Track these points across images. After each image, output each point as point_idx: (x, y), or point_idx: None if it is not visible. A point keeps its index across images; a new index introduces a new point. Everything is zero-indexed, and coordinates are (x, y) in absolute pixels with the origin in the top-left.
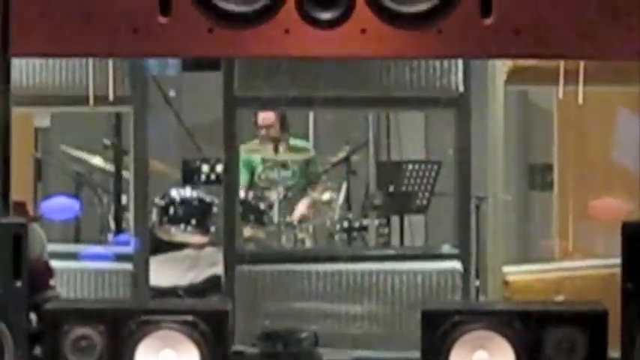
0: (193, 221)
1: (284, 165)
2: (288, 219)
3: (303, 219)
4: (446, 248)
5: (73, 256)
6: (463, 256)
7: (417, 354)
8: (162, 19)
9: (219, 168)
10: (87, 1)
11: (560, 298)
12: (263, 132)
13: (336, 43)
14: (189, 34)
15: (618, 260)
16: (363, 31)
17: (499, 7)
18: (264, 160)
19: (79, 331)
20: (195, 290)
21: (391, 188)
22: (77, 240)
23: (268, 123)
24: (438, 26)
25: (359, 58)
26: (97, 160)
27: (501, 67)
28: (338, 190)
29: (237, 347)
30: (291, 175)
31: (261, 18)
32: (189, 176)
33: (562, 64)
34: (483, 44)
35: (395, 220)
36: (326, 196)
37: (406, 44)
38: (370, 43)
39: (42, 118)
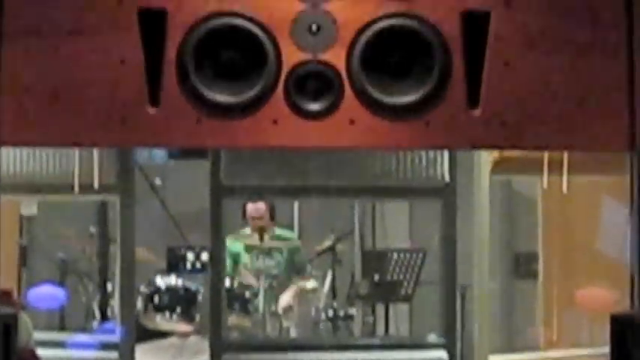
0: (178, 309)
1: (269, 253)
2: (273, 308)
3: (288, 308)
4: (431, 337)
5: (58, 345)
6: (449, 346)
7: None
8: (151, 110)
9: (205, 256)
10: (75, 91)
11: None
12: (252, 222)
13: (324, 134)
14: (177, 124)
15: (603, 350)
16: (352, 122)
17: (486, 98)
18: (248, 248)
19: None
20: None
21: (376, 277)
22: (63, 328)
23: (260, 214)
24: (426, 118)
25: (347, 149)
26: (82, 248)
27: (487, 157)
28: (323, 278)
29: None
30: (276, 265)
31: (250, 109)
32: (174, 264)
33: (546, 154)
34: (470, 135)
35: (380, 308)
36: (311, 284)
37: (394, 135)
38: (359, 134)
39: (28, 206)
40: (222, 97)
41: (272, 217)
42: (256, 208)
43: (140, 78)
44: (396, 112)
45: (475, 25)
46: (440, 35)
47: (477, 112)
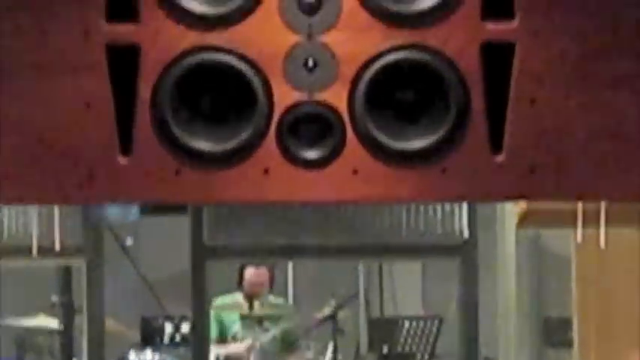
0: None
1: (261, 323)
2: None
3: None
4: None
5: None
6: None
7: None
8: (122, 160)
9: (185, 327)
10: (34, 139)
11: None
12: (251, 289)
13: (323, 185)
14: (153, 176)
15: None
16: (355, 171)
17: (511, 142)
18: (238, 317)
19: None
20: None
21: (385, 349)
22: None
23: (261, 281)
24: (441, 165)
25: (350, 202)
26: (42, 320)
27: (512, 208)
28: (323, 352)
29: None
30: (271, 340)
31: (237, 158)
32: (149, 337)
33: (580, 204)
34: (493, 185)
35: None
36: (309, 356)
37: (405, 186)
38: (363, 185)
39: None
40: (204, 145)
41: (271, 284)
42: (258, 273)
43: (109, 123)
44: (407, 159)
45: (497, 57)
46: (456, 70)
47: (500, 158)
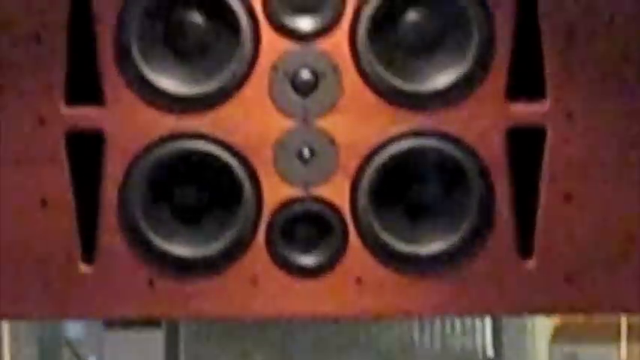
0: None
1: None
2: None
3: None
4: None
5: None
6: None
7: None
8: (84, 268)
9: None
10: None
11: None
12: None
13: (320, 297)
14: (120, 287)
15: None
16: (359, 280)
17: (543, 245)
18: None
19: None
20: None
21: None
22: None
23: None
24: (462, 272)
25: (353, 317)
26: None
27: (545, 323)
28: None
29: None
30: None
31: (219, 265)
32: None
33: (625, 317)
34: (523, 295)
35: None
36: None
37: (418, 297)
38: (368, 296)
39: None
40: (182, 250)
41: None
42: None
43: (69, 225)
44: (421, 266)
45: (526, 145)
46: (478, 160)
47: (530, 264)
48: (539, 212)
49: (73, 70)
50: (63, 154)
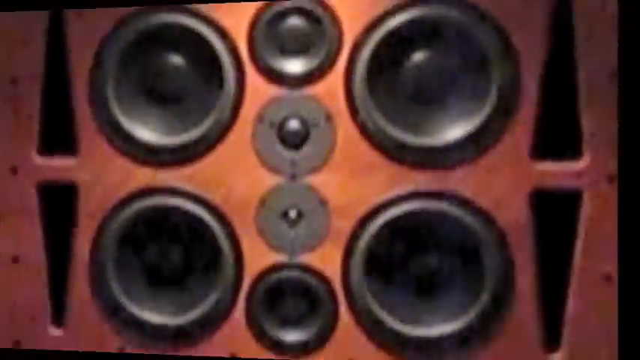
0: None
1: None
2: None
3: None
4: None
5: None
6: None
7: None
8: (54, 331)
9: None
10: None
11: None
12: None
13: None
14: (91, 354)
15: None
16: None
17: (575, 334)
18: None
19: None
20: None
21: None
22: None
23: None
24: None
25: None
26: None
27: None
28: None
29: None
30: None
31: (194, 336)
32: None
33: None
34: None
35: None
36: None
37: None
38: None
39: None
40: (155, 317)
41: None
42: None
43: (40, 284)
44: (424, 350)
45: (553, 212)
46: (495, 227)
47: (557, 356)
48: (570, 294)
49: (47, 120)
50: (35, 208)
